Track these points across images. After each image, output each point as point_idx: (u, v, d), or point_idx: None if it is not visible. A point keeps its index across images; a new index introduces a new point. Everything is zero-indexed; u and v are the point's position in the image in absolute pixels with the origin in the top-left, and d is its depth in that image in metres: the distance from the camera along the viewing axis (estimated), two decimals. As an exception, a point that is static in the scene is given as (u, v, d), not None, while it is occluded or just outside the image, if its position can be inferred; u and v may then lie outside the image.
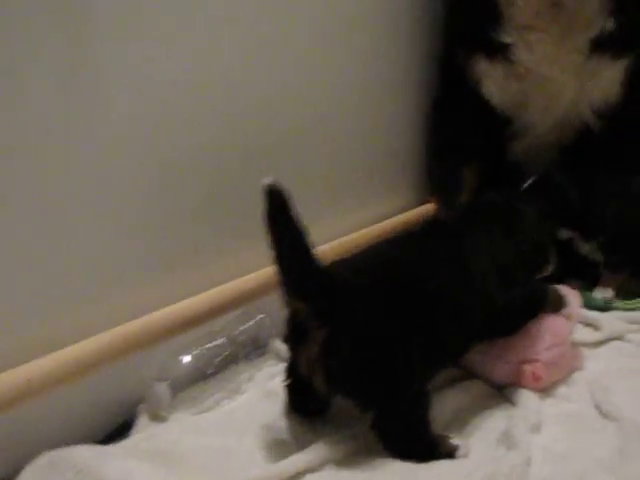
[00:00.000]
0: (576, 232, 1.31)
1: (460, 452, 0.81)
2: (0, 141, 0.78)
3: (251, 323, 1.05)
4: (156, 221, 0.96)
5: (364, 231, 1.33)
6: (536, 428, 0.85)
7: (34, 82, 0.80)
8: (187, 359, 0.97)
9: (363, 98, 1.34)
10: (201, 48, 0.99)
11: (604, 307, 1.24)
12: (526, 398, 0.92)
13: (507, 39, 1.36)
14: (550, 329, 0.98)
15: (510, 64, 1.38)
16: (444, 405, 0.91)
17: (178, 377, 0.95)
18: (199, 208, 1.02)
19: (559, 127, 1.45)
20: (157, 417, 0.92)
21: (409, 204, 1.52)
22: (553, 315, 1.00)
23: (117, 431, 0.91)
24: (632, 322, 1.17)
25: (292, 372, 0.88)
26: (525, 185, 1.26)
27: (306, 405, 0.89)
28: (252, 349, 1.04)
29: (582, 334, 1.11)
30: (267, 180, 0.76)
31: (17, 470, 0.77)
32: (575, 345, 1.04)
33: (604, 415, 0.90)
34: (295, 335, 0.83)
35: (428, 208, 1.54)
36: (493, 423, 0.89)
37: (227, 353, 1.00)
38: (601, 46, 1.34)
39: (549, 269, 1.00)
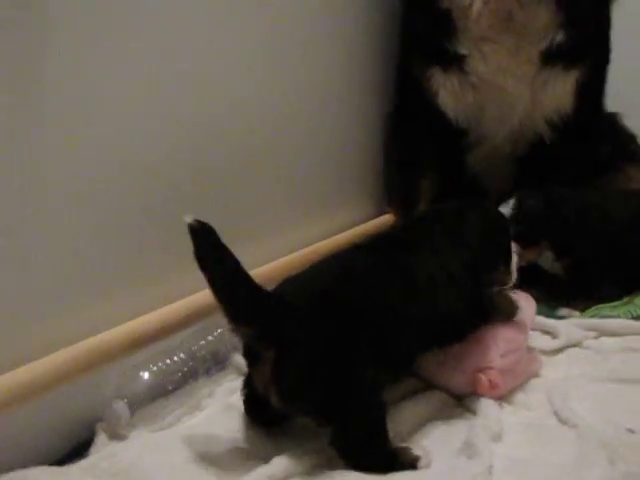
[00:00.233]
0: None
1: (421, 463, 0.81)
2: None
3: (210, 338, 1.04)
4: (111, 237, 0.95)
5: (324, 242, 1.33)
6: (497, 437, 0.86)
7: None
8: (146, 376, 0.95)
9: (321, 109, 1.35)
10: (150, 61, 0.98)
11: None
12: (486, 407, 0.92)
13: (462, 50, 1.38)
14: (504, 336, 0.98)
15: (465, 75, 1.40)
16: (405, 417, 0.91)
17: (137, 394, 0.93)
18: (154, 222, 1.01)
19: (514, 138, 1.48)
20: (116, 435, 0.91)
21: (368, 215, 1.52)
22: (506, 322, 1.01)
23: (75, 451, 0.89)
24: (589, 329, 1.19)
25: (249, 385, 0.88)
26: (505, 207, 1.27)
27: (265, 417, 0.90)
28: (212, 364, 1.03)
29: (540, 341, 1.13)
30: (188, 219, 0.77)
31: (-30, 495, 0.75)
32: (533, 352, 1.05)
33: (563, 422, 0.91)
34: (249, 356, 0.85)
35: (387, 219, 1.54)
36: (454, 433, 0.89)
37: (186, 369, 0.99)
38: (552, 58, 1.37)
39: (509, 280, 1.00)
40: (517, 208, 1.26)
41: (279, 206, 1.26)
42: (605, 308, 1.30)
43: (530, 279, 1.15)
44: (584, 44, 1.38)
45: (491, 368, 0.95)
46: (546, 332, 1.18)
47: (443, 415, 0.94)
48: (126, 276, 0.97)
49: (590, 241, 1.28)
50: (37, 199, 0.85)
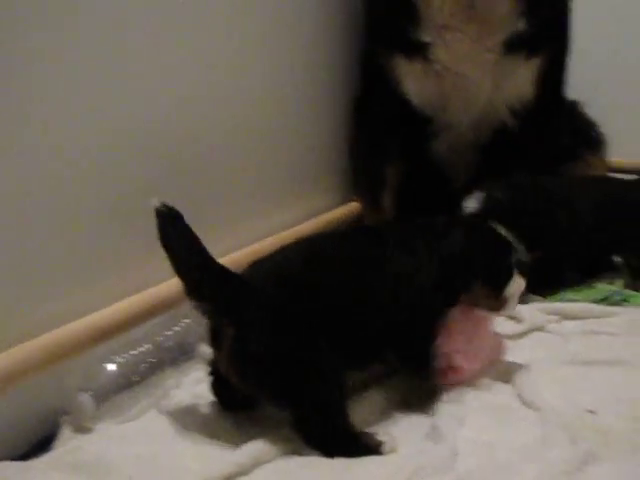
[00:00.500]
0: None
1: (386, 448, 0.82)
2: None
3: (177, 328, 1.04)
4: (74, 228, 0.94)
5: (291, 230, 1.33)
6: (461, 420, 0.87)
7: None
8: (111, 367, 0.94)
9: (285, 97, 1.34)
10: (109, 57, 0.97)
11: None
12: (451, 392, 0.93)
13: (425, 38, 1.38)
14: (467, 321, 0.99)
15: (429, 63, 1.41)
16: (371, 403, 0.92)
17: (102, 386, 0.92)
18: (118, 212, 1.00)
19: (477, 125, 1.49)
20: (81, 428, 0.90)
21: (334, 203, 1.53)
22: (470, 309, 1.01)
23: (39, 445, 0.88)
24: (552, 313, 1.21)
25: (213, 367, 0.89)
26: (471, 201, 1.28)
27: (231, 400, 0.90)
28: (178, 354, 1.03)
29: (504, 326, 1.14)
30: (155, 202, 0.79)
31: None
32: (497, 337, 1.06)
33: (526, 404, 0.92)
34: (212, 334, 0.86)
35: (353, 207, 1.55)
36: (420, 419, 0.90)
37: (153, 360, 0.99)
38: (514, 46, 1.38)
39: (501, 308, 0.98)
40: (483, 201, 1.27)
41: (245, 195, 1.26)
42: (568, 293, 1.32)
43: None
44: (545, 33, 1.39)
45: (456, 352, 0.96)
46: (510, 317, 1.19)
47: (410, 401, 0.95)
48: (90, 267, 0.96)
49: (558, 233, 1.29)
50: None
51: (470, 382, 0.98)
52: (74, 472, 0.79)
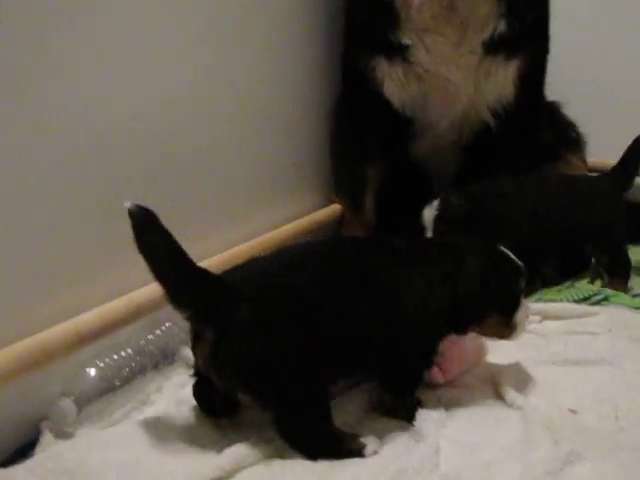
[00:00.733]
0: None
1: (368, 450, 0.82)
2: None
3: (158, 332, 1.03)
4: (52, 232, 0.93)
5: (271, 233, 1.33)
6: (444, 421, 0.87)
7: None
8: (93, 372, 0.94)
9: (266, 100, 1.34)
10: (99, 58, 0.97)
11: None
12: (432, 393, 0.94)
13: (405, 41, 1.39)
14: None
15: (409, 65, 1.41)
16: (354, 404, 0.92)
17: (84, 391, 0.92)
18: (97, 216, 0.99)
19: (459, 126, 1.50)
20: (62, 434, 0.89)
21: (315, 205, 1.52)
22: None
23: (19, 452, 0.87)
24: (533, 313, 1.21)
25: (197, 370, 0.89)
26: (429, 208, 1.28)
27: (212, 403, 0.90)
28: (160, 358, 1.02)
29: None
30: (128, 204, 0.77)
31: None
32: (480, 338, 1.06)
33: (509, 405, 0.93)
34: (193, 335, 0.85)
35: (334, 209, 1.55)
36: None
37: (134, 364, 0.98)
38: (494, 47, 1.39)
39: (509, 335, 0.96)
40: (441, 208, 1.27)
41: (226, 198, 1.25)
42: (549, 292, 1.33)
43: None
44: (524, 34, 1.40)
45: (442, 354, 0.96)
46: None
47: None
48: (71, 272, 0.95)
49: (514, 233, 1.26)
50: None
51: (453, 383, 0.98)
52: (55, 478, 0.78)
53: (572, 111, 1.71)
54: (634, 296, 1.31)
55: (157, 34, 1.07)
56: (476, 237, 0.98)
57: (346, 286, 0.85)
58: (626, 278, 1.35)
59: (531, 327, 1.18)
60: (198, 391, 0.90)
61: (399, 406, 0.91)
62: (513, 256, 0.95)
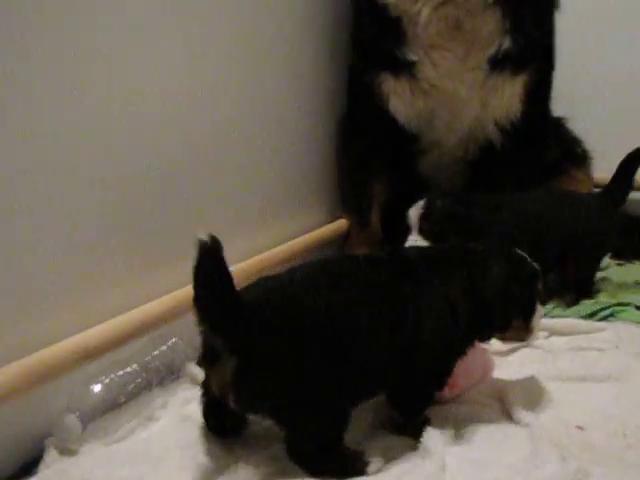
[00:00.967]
0: None
1: (371, 468, 0.81)
2: None
3: (164, 348, 1.03)
4: (59, 246, 0.93)
5: (278, 248, 1.33)
6: (450, 438, 0.87)
7: None
8: (98, 388, 0.93)
9: (273, 116, 1.35)
10: (99, 69, 0.97)
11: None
12: (439, 409, 0.93)
13: (412, 57, 1.40)
14: None
15: (415, 81, 1.42)
16: (363, 421, 0.91)
17: (89, 407, 0.91)
18: (105, 230, 0.99)
19: (464, 142, 1.50)
20: (67, 451, 0.88)
21: (322, 220, 1.53)
22: None
23: (23, 469, 0.87)
24: (541, 329, 1.20)
25: (207, 390, 0.87)
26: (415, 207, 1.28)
27: (222, 423, 0.88)
28: (166, 374, 1.02)
29: (493, 343, 1.14)
30: (202, 235, 0.76)
31: None
32: (486, 353, 1.06)
33: (516, 422, 0.92)
34: (208, 357, 0.83)
35: (340, 224, 1.55)
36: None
37: (140, 380, 0.98)
38: (500, 63, 1.40)
39: (527, 337, 0.96)
40: (427, 207, 1.28)
41: (232, 213, 1.26)
42: (556, 308, 1.32)
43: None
44: (530, 50, 1.41)
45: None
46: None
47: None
48: (76, 288, 0.95)
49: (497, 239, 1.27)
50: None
51: (459, 398, 0.98)
52: (59, 495, 0.78)
53: (578, 127, 1.71)
54: (638, 308, 1.30)
55: (162, 52, 1.08)
56: (492, 241, 0.98)
57: (366, 309, 0.83)
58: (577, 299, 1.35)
59: (538, 343, 1.17)
60: (208, 411, 0.89)
61: (407, 424, 0.90)
62: (529, 259, 0.95)
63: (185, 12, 1.11)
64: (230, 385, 0.79)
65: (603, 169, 1.74)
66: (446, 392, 0.96)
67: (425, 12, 1.33)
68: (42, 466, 0.86)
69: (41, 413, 0.89)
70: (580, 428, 0.91)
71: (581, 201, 1.39)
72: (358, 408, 0.90)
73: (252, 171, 1.30)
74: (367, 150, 1.51)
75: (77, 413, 0.89)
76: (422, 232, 1.28)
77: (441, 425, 0.89)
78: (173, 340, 1.04)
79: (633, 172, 1.39)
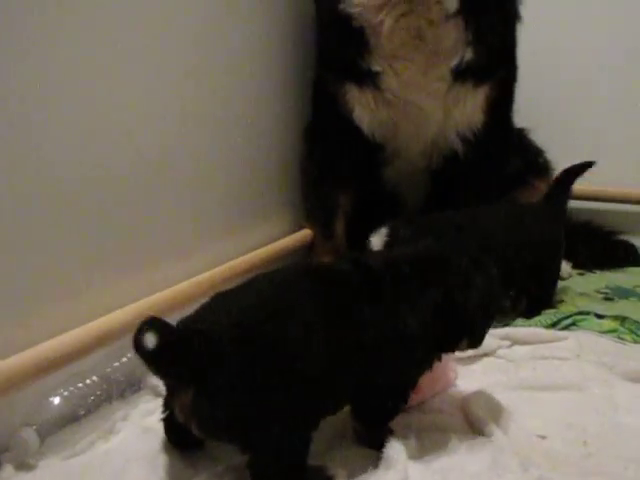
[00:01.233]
0: None
1: None
2: None
3: (124, 359, 1.01)
4: (18, 257, 0.91)
5: (241, 259, 1.32)
6: (412, 448, 0.87)
7: None
8: (56, 401, 0.92)
9: (235, 124, 1.34)
10: (59, 80, 0.96)
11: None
12: (402, 419, 0.93)
13: (375, 67, 1.40)
14: None
15: (379, 91, 1.42)
16: (324, 432, 0.90)
17: (47, 420, 0.89)
18: (66, 239, 0.97)
19: (428, 152, 1.51)
20: (24, 466, 0.86)
21: (285, 231, 1.52)
22: None
23: (-22, 485, 0.85)
24: (503, 338, 1.22)
25: (168, 407, 0.86)
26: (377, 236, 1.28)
27: (184, 438, 0.87)
28: (127, 386, 1.01)
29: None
30: (150, 343, 0.73)
31: None
32: (449, 362, 1.06)
33: (478, 431, 0.92)
34: (168, 387, 0.81)
35: (304, 235, 1.55)
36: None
37: (100, 392, 0.96)
38: (463, 75, 1.41)
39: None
40: (390, 235, 1.28)
41: (196, 223, 1.25)
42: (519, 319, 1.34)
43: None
44: (492, 61, 1.42)
45: None
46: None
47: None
48: (33, 298, 0.94)
49: None
50: None
51: (422, 406, 0.98)
52: (15, 512, 0.77)
53: (539, 137, 1.74)
54: (599, 317, 1.32)
55: (120, 59, 1.07)
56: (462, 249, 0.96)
57: (323, 333, 0.80)
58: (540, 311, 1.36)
59: (500, 352, 1.18)
60: (169, 427, 0.88)
61: (370, 435, 0.90)
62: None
63: (145, 19, 1.10)
64: (189, 413, 0.77)
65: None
66: (412, 397, 0.96)
67: (388, 22, 1.34)
68: (-3, 482, 0.84)
69: (-3, 427, 0.87)
70: (542, 437, 0.92)
71: (536, 213, 1.40)
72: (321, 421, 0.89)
73: (215, 180, 1.29)
74: (331, 160, 1.51)
75: (35, 426, 0.87)
76: None
77: (404, 435, 0.89)
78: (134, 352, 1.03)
79: (572, 183, 1.41)
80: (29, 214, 0.92)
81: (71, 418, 0.92)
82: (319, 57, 1.51)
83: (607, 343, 1.23)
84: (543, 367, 1.13)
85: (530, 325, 1.29)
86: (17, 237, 0.91)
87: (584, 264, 1.73)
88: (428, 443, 0.89)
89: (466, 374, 1.08)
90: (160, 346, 0.73)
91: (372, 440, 0.88)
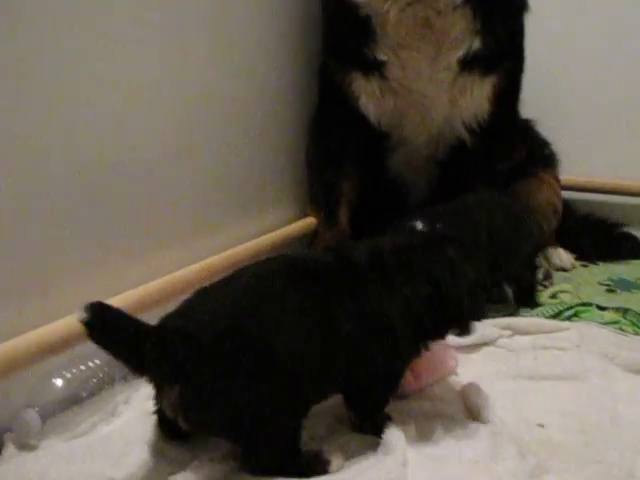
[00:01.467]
0: None
1: (332, 467, 0.81)
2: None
3: (127, 343, 1.02)
4: (20, 235, 0.92)
5: (245, 245, 1.33)
6: (411, 434, 0.87)
7: None
8: (59, 383, 0.92)
9: (241, 113, 1.34)
10: (63, 71, 0.96)
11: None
12: (401, 405, 0.94)
13: (381, 57, 1.40)
14: None
15: (385, 81, 1.42)
16: (320, 417, 0.91)
17: (50, 402, 0.90)
18: (68, 223, 0.98)
19: (434, 142, 1.51)
20: (25, 446, 0.87)
21: (290, 218, 1.52)
22: None
23: (-20, 464, 0.86)
24: (505, 328, 1.22)
25: (158, 402, 0.86)
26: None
27: (176, 431, 0.86)
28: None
29: (455, 340, 1.15)
30: (79, 316, 0.76)
31: None
32: (449, 350, 1.07)
33: (476, 418, 0.93)
34: (154, 384, 0.82)
35: (308, 222, 1.55)
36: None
37: (102, 375, 0.97)
38: (470, 64, 1.40)
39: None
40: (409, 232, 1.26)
41: (199, 210, 1.25)
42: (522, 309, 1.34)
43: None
44: (499, 51, 1.42)
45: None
46: (463, 331, 1.20)
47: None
48: (38, 280, 0.94)
49: None
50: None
51: (421, 393, 0.98)
52: (16, 491, 0.77)
53: (545, 129, 1.73)
54: (601, 309, 1.32)
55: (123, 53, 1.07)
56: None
57: (307, 319, 0.81)
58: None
59: (501, 342, 1.19)
60: (161, 419, 0.88)
61: (365, 424, 0.90)
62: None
63: (149, 14, 1.10)
64: (176, 409, 0.78)
65: (570, 171, 1.77)
66: (411, 383, 0.96)
67: (394, 11, 1.33)
68: (0, 461, 0.85)
69: (0, 407, 0.88)
70: (540, 425, 0.92)
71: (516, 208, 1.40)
72: (317, 406, 0.90)
73: (219, 168, 1.29)
74: (336, 148, 1.51)
75: (37, 408, 0.88)
76: None
77: (403, 421, 0.89)
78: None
79: None
80: (33, 195, 0.93)
81: (73, 400, 0.92)
82: (325, 46, 1.50)
83: (608, 334, 1.23)
84: (544, 357, 1.13)
85: (532, 316, 1.30)
86: (18, 219, 0.92)
87: (588, 256, 1.74)
88: (427, 430, 0.90)
89: (466, 362, 1.09)
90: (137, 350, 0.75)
91: (368, 428, 0.89)
